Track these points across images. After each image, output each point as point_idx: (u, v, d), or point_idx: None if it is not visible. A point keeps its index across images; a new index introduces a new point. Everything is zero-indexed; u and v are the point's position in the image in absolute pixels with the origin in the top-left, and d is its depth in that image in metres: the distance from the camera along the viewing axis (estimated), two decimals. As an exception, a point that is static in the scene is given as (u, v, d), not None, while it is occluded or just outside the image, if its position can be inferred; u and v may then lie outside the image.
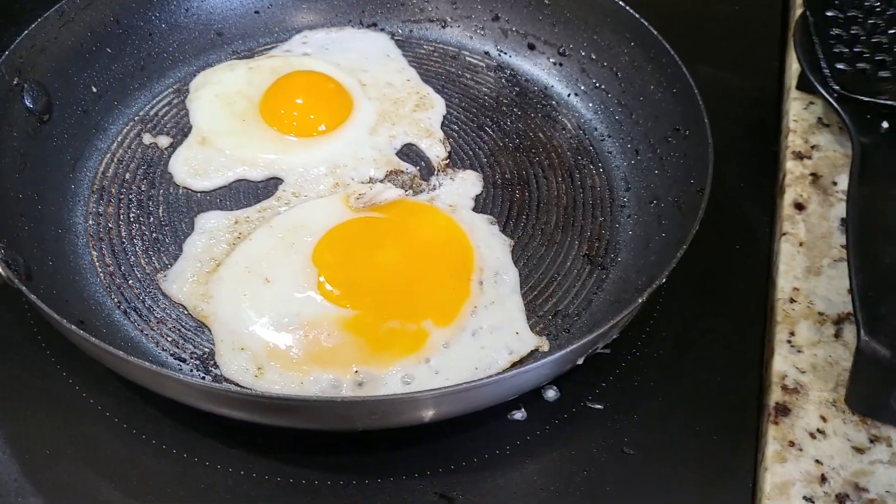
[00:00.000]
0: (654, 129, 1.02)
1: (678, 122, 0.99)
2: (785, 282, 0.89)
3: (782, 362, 0.83)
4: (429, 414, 0.76)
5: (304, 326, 0.84)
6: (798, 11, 1.18)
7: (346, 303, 0.85)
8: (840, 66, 0.99)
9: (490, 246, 0.93)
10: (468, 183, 1.01)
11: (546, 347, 0.86)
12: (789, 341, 0.84)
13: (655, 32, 1.03)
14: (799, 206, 0.96)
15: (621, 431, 0.82)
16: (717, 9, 1.31)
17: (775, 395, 0.80)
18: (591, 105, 1.10)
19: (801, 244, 0.92)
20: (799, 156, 1.01)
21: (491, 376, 0.82)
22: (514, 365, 0.84)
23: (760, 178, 1.05)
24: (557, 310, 0.89)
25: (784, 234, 0.93)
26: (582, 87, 1.12)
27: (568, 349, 0.73)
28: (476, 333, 0.85)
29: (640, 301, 0.76)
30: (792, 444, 0.77)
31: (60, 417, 0.82)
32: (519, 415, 0.82)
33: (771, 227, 0.98)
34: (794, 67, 1.11)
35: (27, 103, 0.95)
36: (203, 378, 0.82)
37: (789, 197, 0.97)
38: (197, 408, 0.76)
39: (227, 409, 0.75)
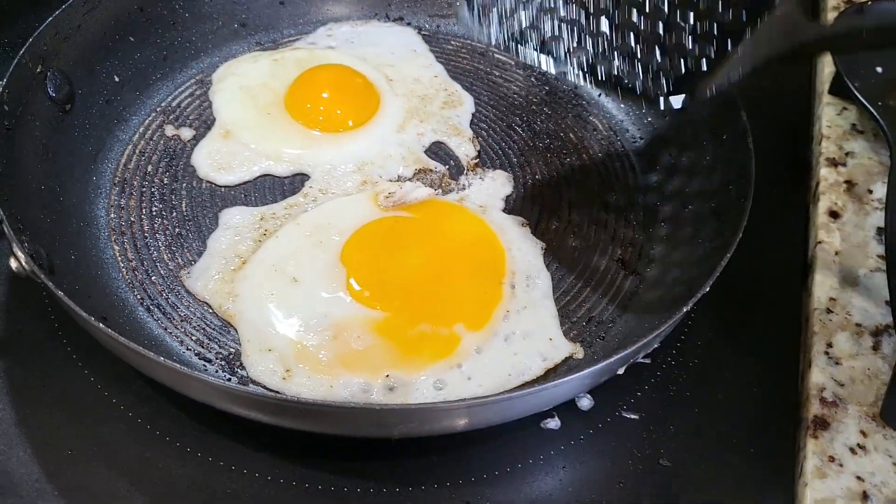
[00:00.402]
0: (688, 132, 1.00)
1: (715, 126, 0.97)
2: (821, 292, 0.87)
3: (820, 374, 0.81)
4: (463, 423, 0.74)
5: (334, 328, 0.81)
6: (830, 14, 1.16)
7: (376, 304, 0.83)
8: (879, 69, 0.96)
9: (522, 249, 0.91)
10: (498, 183, 0.99)
11: (580, 354, 0.83)
12: (826, 353, 0.82)
13: (692, 35, 1.00)
14: (834, 215, 0.94)
15: (657, 443, 0.80)
16: None
17: (813, 408, 0.79)
18: (622, 106, 1.08)
19: (836, 253, 0.90)
20: (833, 163, 0.99)
21: (526, 384, 0.80)
22: (549, 372, 0.82)
23: (793, 184, 1.03)
24: (591, 315, 0.87)
25: (819, 242, 0.91)
26: (613, 88, 1.09)
27: (611, 359, 0.71)
28: (509, 339, 0.83)
29: (684, 310, 0.74)
30: (832, 459, 0.75)
31: (81, 417, 0.80)
32: (553, 423, 0.80)
33: (805, 235, 0.96)
34: (826, 71, 1.09)
35: (50, 92, 0.92)
36: (229, 379, 0.80)
37: (824, 205, 0.95)
38: (222, 410, 0.73)
39: (255, 413, 0.73)
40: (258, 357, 0.81)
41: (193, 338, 0.83)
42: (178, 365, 0.70)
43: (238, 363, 0.81)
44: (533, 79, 1.12)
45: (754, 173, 0.86)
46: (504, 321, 0.84)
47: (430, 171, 0.99)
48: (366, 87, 1.05)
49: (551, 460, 0.79)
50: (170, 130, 1.02)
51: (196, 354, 0.82)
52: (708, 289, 0.76)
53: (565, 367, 0.83)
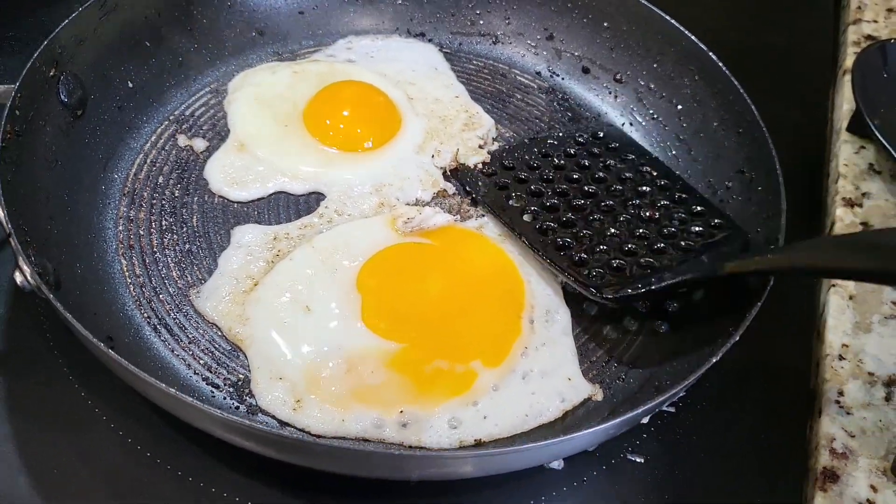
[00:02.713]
0: (714, 168, 0.98)
1: (742, 165, 0.95)
2: (834, 337, 0.85)
3: (830, 424, 0.78)
4: (477, 469, 0.71)
5: (347, 360, 0.79)
6: (850, 48, 1.14)
7: (392, 336, 0.80)
8: None
9: (541, 282, 0.88)
10: (517, 212, 0.96)
11: (600, 396, 0.81)
12: (838, 401, 0.80)
13: (723, 67, 0.99)
14: None
15: (661, 488, 0.78)
16: (765, 38, 1.27)
17: (823, 460, 0.76)
18: (646, 137, 1.06)
19: (850, 298, 0.88)
20: (849, 203, 0.97)
21: (543, 426, 0.77)
22: (566, 413, 0.79)
23: (807, 222, 1.00)
24: (611, 356, 0.85)
25: (833, 285, 0.89)
26: (637, 118, 1.07)
27: (637, 410, 0.68)
28: (527, 377, 0.81)
29: (713, 360, 0.72)
30: None
31: (77, 438, 0.77)
32: (556, 464, 0.78)
33: (818, 278, 0.93)
34: (844, 108, 1.07)
35: (62, 97, 0.89)
36: (237, 407, 0.77)
37: None
38: (230, 441, 0.71)
39: (260, 448, 0.70)
40: (268, 385, 0.78)
41: (201, 361, 0.80)
42: (187, 397, 0.67)
43: (247, 390, 0.78)
44: (556, 104, 1.10)
45: (785, 217, 0.84)
46: (522, 357, 0.82)
47: (448, 195, 0.97)
48: (388, 107, 1.02)
49: (552, 502, 0.76)
50: (182, 140, 0.99)
51: (204, 379, 0.79)
52: (738, 338, 0.74)
53: (583, 409, 0.80)
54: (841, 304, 0.87)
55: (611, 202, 0.92)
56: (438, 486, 0.76)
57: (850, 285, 0.89)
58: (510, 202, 0.92)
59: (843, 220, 0.95)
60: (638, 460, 0.79)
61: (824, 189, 1.03)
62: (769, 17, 1.32)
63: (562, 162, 0.97)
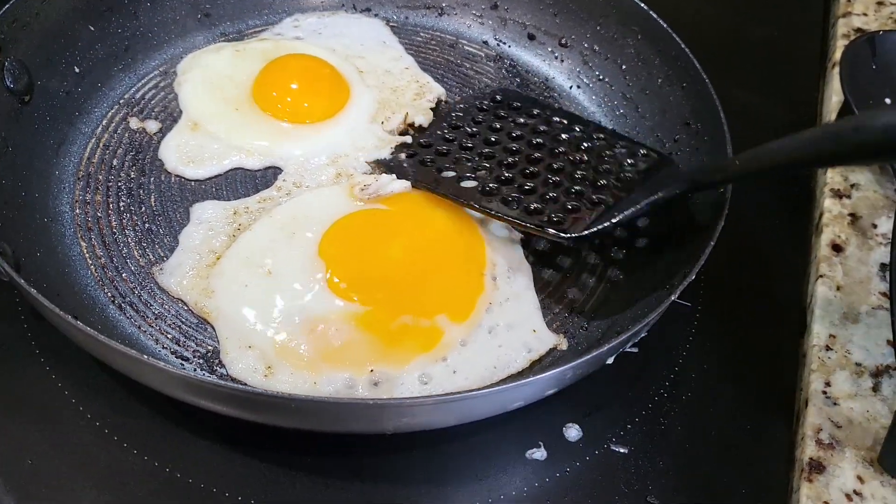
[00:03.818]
0: (661, 124, 1.01)
1: (689, 117, 0.97)
2: (821, 327, 0.84)
3: (817, 414, 0.78)
4: (454, 417, 0.73)
5: (313, 323, 0.79)
6: (839, 41, 1.15)
7: (356, 297, 0.81)
8: (888, 100, 0.96)
9: (501, 239, 0.90)
10: (473, 175, 0.98)
11: (564, 346, 0.83)
12: (825, 392, 0.79)
13: (665, 25, 1.01)
14: (836, 248, 0.91)
15: (646, 478, 0.77)
16: (754, 32, 1.27)
17: (809, 450, 0.76)
18: (594, 98, 1.08)
19: (838, 288, 0.87)
20: (837, 194, 0.97)
21: (511, 377, 0.79)
22: (533, 364, 0.81)
23: (794, 214, 1.00)
24: (573, 307, 0.87)
25: (821, 276, 0.89)
26: (584, 80, 1.09)
27: (604, 348, 0.70)
28: (493, 331, 0.82)
29: (672, 298, 0.74)
30: None
31: (47, 424, 0.77)
32: (539, 454, 0.78)
33: (805, 268, 0.94)
34: (833, 100, 1.07)
35: (7, 83, 0.88)
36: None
37: (826, 237, 0.92)
38: (204, 407, 0.71)
39: (237, 411, 0.70)
40: (238, 354, 0.78)
41: (169, 336, 0.80)
42: (159, 362, 0.67)
43: (217, 361, 0.79)
44: (504, 70, 1.11)
45: (730, 147, 0.86)
46: (487, 313, 0.83)
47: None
48: (334, 78, 1.03)
49: (535, 493, 0.76)
50: (135, 123, 0.99)
51: (172, 353, 0.79)
52: (694, 276, 0.76)
53: (550, 358, 0.82)
54: (828, 294, 0.87)
55: (538, 154, 0.94)
56: (409, 476, 0.76)
57: (838, 276, 0.88)
58: (443, 174, 0.93)
59: (832, 210, 0.95)
60: (622, 450, 0.79)
61: (813, 180, 1.02)
62: (757, 10, 1.31)
63: (475, 129, 0.98)
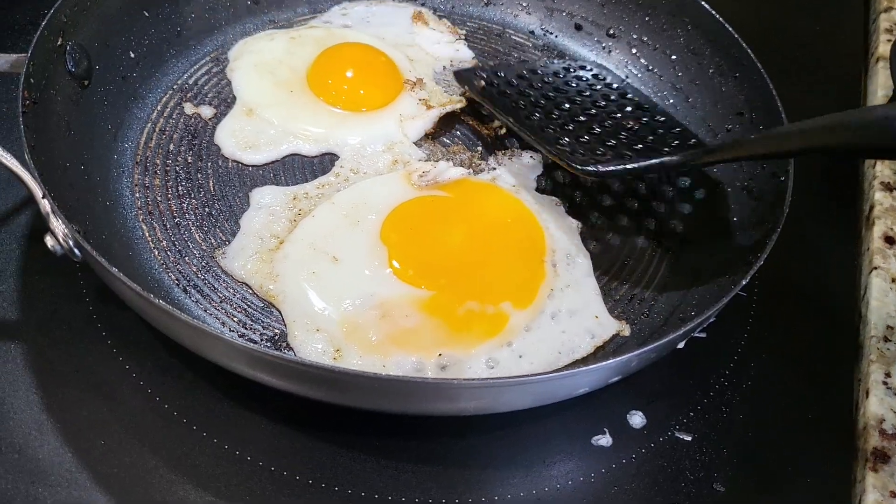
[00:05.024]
0: (713, 113, 1.01)
1: (742, 107, 0.98)
2: (878, 319, 0.85)
3: (878, 405, 0.78)
4: (523, 400, 0.73)
5: (381, 307, 0.80)
6: (882, 36, 1.15)
7: (421, 283, 0.82)
8: None
9: (559, 228, 0.90)
10: (526, 164, 0.98)
11: (627, 332, 0.83)
12: (885, 383, 0.80)
13: (716, 14, 1.01)
14: (889, 240, 0.92)
15: (710, 465, 0.77)
16: (798, 25, 1.28)
17: (872, 440, 0.76)
18: (642, 88, 1.08)
19: (893, 280, 0.88)
20: (888, 187, 0.97)
21: (577, 362, 0.80)
22: (598, 349, 0.82)
23: (842, 207, 1.01)
24: (633, 293, 0.87)
25: (875, 268, 0.89)
26: (633, 70, 1.10)
27: (677, 332, 0.71)
28: (556, 317, 0.83)
29: (743, 283, 0.75)
30: (894, 494, 0.73)
31: (115, 405, 0.77)
32: (604, 440, 0.78)
33: (854, 260, 0.94)
34: (879, 94, 1.08)
35: (70, 66, 0.89)
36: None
37: (879, 230, 0.93)
38: (276, 387, 0.71)
39: (309, 389, 0.71)
40: (306, 337, 0.78)
41: (235, 319, 0.81)
42: (237, 339, 0.67)
43: (284, 344, 0.79)
44: (553, 60, 1.12)
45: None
46: (549, 299, 0.84)
47: (460, 151, 0.98)
48: (389, 67, 1.03)
49: (601, 479, 0.76)
50: (189, 108, 0.99)
51: (240, 336, 0.79)
52: (762, 262, 0.77)
53: (613, 345, 0.83)
54: (884, 286, 0.88)
55: (592, 111, 0.99)
56: (476, 462, 0.77)
57: (893, 267, 0.89)
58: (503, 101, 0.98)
59: (882, 203, 0.96)
60: (686, 438, 0.79)
61: (861, 174, 1.03)
62: (796, 4, 1.32)
63: (539, 84, 1.02)
